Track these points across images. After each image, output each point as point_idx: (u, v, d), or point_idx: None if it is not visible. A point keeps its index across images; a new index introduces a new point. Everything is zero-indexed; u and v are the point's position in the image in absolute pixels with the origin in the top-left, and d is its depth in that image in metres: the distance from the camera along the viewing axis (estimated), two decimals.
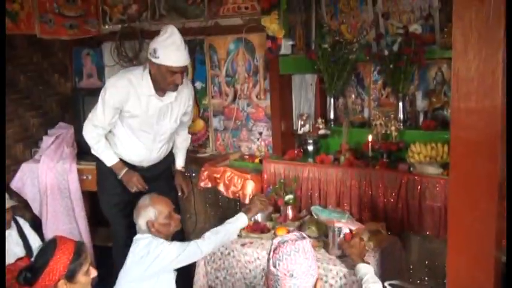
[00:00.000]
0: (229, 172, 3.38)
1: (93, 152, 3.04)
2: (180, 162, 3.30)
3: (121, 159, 3.04)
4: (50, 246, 1.95)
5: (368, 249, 2.56)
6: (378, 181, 2.88)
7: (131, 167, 3.06)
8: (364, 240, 2.49)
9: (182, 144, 3.29)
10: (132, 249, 2.47)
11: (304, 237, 1.73)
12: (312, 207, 2.78)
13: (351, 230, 2.50)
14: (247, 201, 3.27)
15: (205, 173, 3.48)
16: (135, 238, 2.54)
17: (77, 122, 3.39)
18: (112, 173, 3.05)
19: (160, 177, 3.18)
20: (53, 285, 1.91)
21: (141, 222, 2.50)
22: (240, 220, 2.67)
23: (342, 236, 2.51)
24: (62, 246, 1.94)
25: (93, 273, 2.04)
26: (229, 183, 3.37)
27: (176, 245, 2.47)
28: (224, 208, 3.76)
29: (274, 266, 1.66)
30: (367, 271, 2.23)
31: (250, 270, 2.72)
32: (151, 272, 2.40)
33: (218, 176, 3.42)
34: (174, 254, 2.43)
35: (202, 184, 3.50)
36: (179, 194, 3.27)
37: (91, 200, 3.81)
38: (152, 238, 2.46)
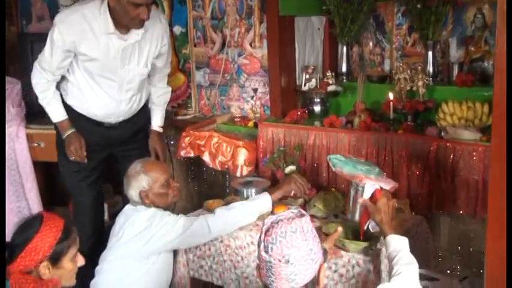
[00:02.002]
0: (216, 138, 3.38)
1: (39, 101, 3.07)
2: (156, 121, 3.30)
3: (84, 116, 3.05)
4: (34, 221, 1.99)
5: None
6: (400, 149, 2.89)
7: (96, 123, 3.07)
8: (393, 200, 2.33)
9: (159, 99, 3.28)
10: (130, 220, 2.56)
11: (303, 215, 1.71)
12: (330, 156, 2.60)
13: (381, 188, 2.36)
14: (238, 173, 3.28)
15: (187, 140, 3.48)
16: (127, 208, 2.65)
17: (25, 76, 3.34)
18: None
19: (134, 139, 3.19)
20: (34, 267, 1.95)
21: (132, 192, 2.60)
22: (262, 200, 2.67)
23: (369, 195, 2.33)
24: (49, 222, 1.99)
25: (81, 261, 2.10)
26: (216, 152, 3.37)
27: (183, 218, 2.59)
28: (210, 182, 3.78)
29: (266, 252, 1.64)
30: (401, 246, 2.14)
31: (242, 258, 2.72)
32: (151, 249, 2.51)
33: (202, 143, 3.42)
34: (180, 229, 2.54)
35: (182, 153, 3.50)
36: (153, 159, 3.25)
37: (45, 172, 3.78)
38: (156, 209, 2.60)
